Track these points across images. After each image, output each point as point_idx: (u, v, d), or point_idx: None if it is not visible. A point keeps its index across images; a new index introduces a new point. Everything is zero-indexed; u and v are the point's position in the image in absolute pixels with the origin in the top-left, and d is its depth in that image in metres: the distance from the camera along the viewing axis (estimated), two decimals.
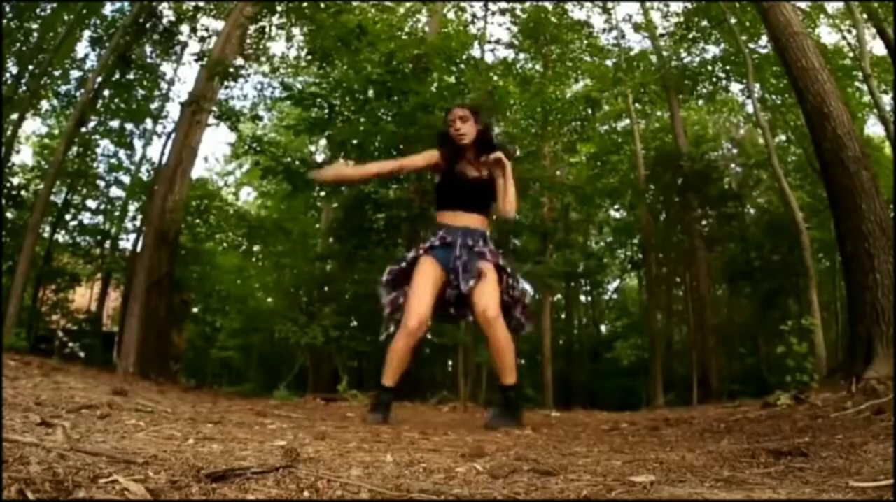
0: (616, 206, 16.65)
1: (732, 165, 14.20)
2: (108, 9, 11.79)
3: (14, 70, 11.07)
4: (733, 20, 11.32)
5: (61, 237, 13.64)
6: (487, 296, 2.96)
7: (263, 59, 12.41)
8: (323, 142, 13.35)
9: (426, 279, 3.03)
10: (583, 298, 19.84)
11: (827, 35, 14.08)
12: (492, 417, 3.07)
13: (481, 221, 3.22)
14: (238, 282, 17.02)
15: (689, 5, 12.89)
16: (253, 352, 16.95)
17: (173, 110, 13.97)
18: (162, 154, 12.07)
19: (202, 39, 10.34)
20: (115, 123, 13.45)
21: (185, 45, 11.61)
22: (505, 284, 3.10)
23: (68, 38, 11.45)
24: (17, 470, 0.95)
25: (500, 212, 3.28)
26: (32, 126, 16.37)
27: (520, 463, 1.40)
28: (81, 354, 12.04)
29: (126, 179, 14.27)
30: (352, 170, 3.42)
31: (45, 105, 13.35)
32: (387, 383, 3.05)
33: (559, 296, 17.62)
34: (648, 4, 13.79)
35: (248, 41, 11.18)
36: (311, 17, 9.54)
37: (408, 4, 13.84)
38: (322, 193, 11.49)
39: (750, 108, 13.84)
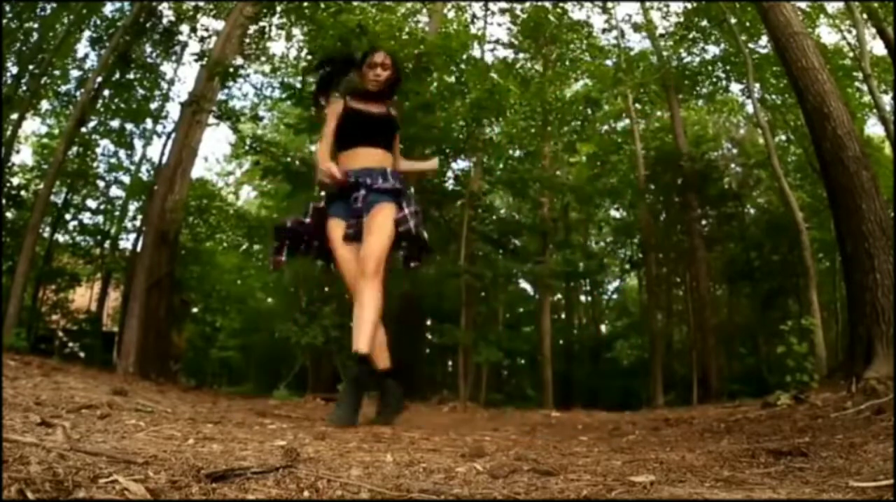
0: (616, 206, 16.62)
1: (732, 165, 14.20)
2: (108, 9, 11.80)
3: (14, 70, 11.06)
4: (733, 20, 11.32)
5: (61, 237, 13.62)
6: (369, 247, 2.74)
7: (263, 59, 12.42)
8: None
9: (342, 247, 2.87)
10: (583, 298, 19.82)
11: (827, 35, 14.07)
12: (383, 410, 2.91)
13: (384, 157, 2.98)
14: (238, 282, 17.00)
15: (689, 5, 12.89)
16: (253, 352, 16.93)
17: (173, 110, 13.99)
18: (162, 154, 12.07)
19: (202, 39, 10.38)
20: (115, 123, 13.42)
21: (185, 45, 11.64)
22: (406, 213, 2.88)
23: (68, 38, 11.44)
24: (17, 470, 0.95)
25: (399, 166, 3.12)
26: (32, 126, 16.35)
27: (520, 463, 1.40)
28: (81, 354, 12.03)
29: (126, 179, 14.26)
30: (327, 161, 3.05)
31: (45, 105, 13.34)
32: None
33: (559, 296, 17.61)
34: (648, 4, 13.79)
35: (248, 41, 11.19)
36: (311, 17, 9.53)
37: (408, 4, 13.83)
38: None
39: (750, 108, 13.85)
